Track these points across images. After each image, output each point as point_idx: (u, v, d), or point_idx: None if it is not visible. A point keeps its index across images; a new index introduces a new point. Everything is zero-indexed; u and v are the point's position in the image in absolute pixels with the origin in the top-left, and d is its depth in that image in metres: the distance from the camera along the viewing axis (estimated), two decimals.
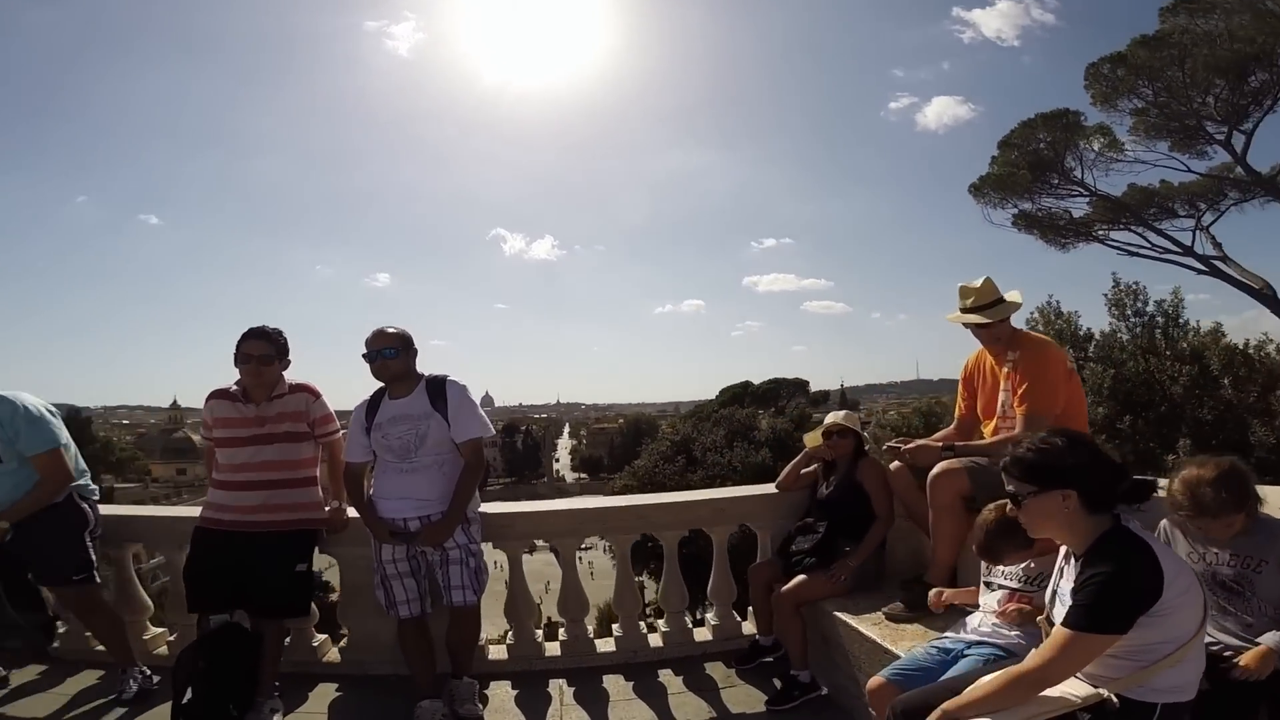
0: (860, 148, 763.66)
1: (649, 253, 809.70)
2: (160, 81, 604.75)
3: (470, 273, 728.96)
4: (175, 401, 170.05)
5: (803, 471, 5.11)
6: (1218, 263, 28.48)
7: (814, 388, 72.82)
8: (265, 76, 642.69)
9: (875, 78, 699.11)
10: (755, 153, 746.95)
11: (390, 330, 4.30)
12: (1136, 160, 30.76)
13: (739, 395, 62.98)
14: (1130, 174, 31.13)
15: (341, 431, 4.62)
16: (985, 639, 3.15)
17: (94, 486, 4.62)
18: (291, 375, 4.50)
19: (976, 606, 3.46)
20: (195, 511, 4.64)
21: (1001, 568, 3.40)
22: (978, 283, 4.29)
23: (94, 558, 4.44)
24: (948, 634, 3.32)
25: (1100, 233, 32.87)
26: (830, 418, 5.01)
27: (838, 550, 4.56)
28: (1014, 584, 3.32)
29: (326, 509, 4.59)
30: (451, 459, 4.27)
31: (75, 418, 60.30)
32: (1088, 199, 32.21)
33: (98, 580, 4.49)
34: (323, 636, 5.08)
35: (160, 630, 5.17)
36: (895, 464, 4.61)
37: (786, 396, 63.28)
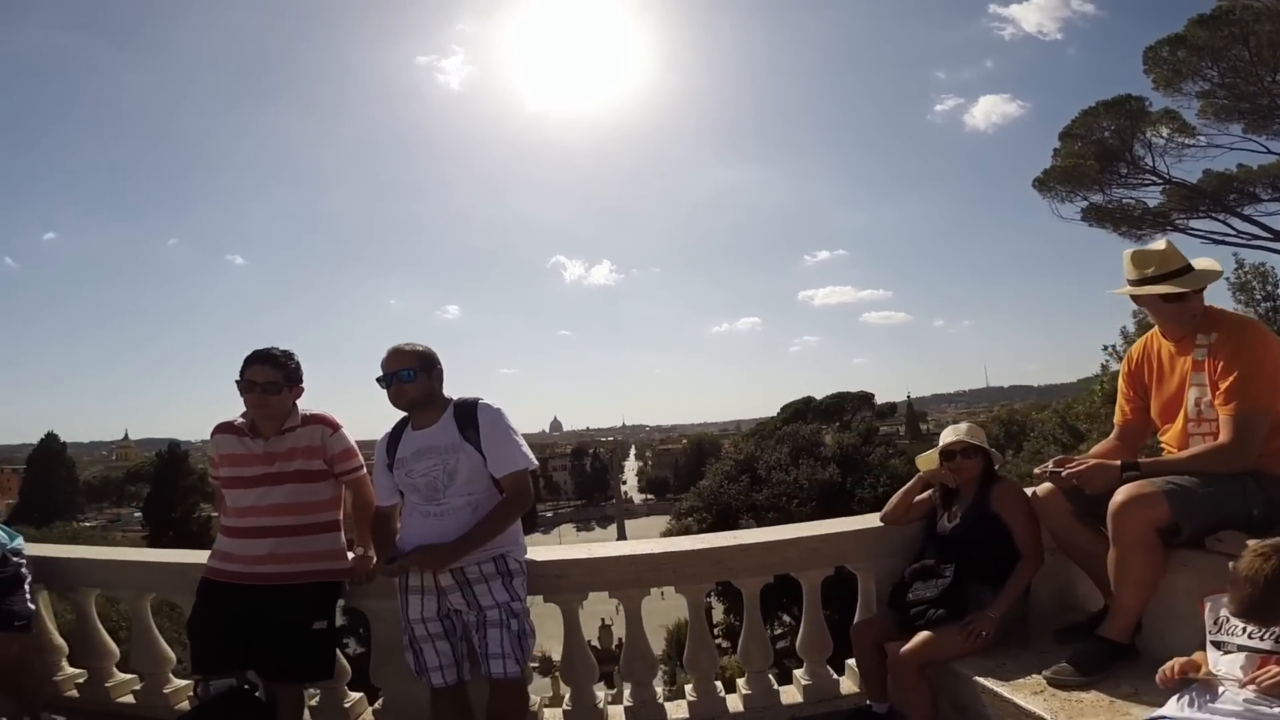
0: (909, 153, 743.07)
1: (703, 271, 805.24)
2: (236, 122, 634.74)
3: (534, 301, 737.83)
4: None
5: (916, 500, 4.09)
6: None
7: (879, 400, 70.35)
8: (327, 113, 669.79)
9: (918, 81, 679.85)
10: (801, 164, 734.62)
11: (406, 348, 3.56)
12: (1210, 145, 28.57)
13: (801, 411, 61.41)
14: (1205, 159, 28.89)
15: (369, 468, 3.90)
16: (1236, 718, 2.28)
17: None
18: (319, 406, 3.85)
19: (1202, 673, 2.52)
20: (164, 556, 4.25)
21: (1243, 625, 2.47)
22: (1159, 245, 3.27)
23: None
24: (1168, 713, 2.44)
25: (1180, 222, 30.68)
26: (950, 433, 4.02)
27: (971, 599, 3.60)
28: (1265, 645, 2.39)
29: (351, 556, 3.87)
30: (487, 498, 3.49)
31: (174, 450, 62.71)
32: (1161, 188, 30.12)
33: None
34: (356, 696, 4.34)
35: (129, 676, 4.67)
36: (1042, 488, 3.57)
37: (851, 410, 61.19)
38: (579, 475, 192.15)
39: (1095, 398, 16.67)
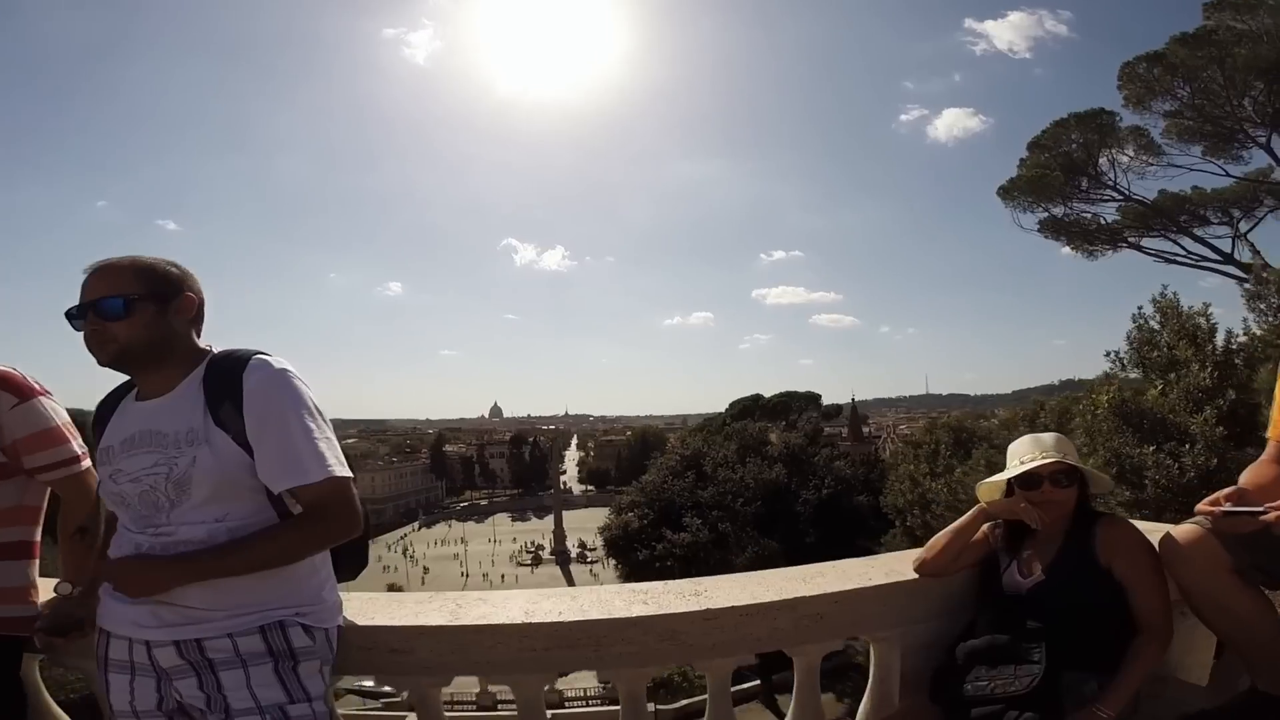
0: (871, 160, 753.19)
1: (658, 264, 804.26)
2: (178, 83, 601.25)
3: (481, 283, 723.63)
4: None
5: (972, 540, 2.67)
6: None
7: (825, 401, 70.45)
8: (283, 79, 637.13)
9: (886, 90, 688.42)
10: (765, 164, 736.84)
11: (117, 263, 1.98)
12: (1170, 165, 28.87)
13: (749, 408, 60.70)
14: (1165, 179, 29.16)
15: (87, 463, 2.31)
16: None
17: None
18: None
19: None
20: None
21: None
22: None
23: None
24: None
25: (1132, 239, 30.82)
26: (1031, 446, 2.63)
27: (1069, 692, 2.28)
28: None
29: (40, 601, 2.37)
30: (250, 525, 1.89)
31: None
32: (1119, 204, 30.18)
33: None
34: None
35: None
36: (1186, 530, 2.23)
37: (798, 410, 60.74)
38: (517, 464, 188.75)
39: (1099, 408, 15.51)
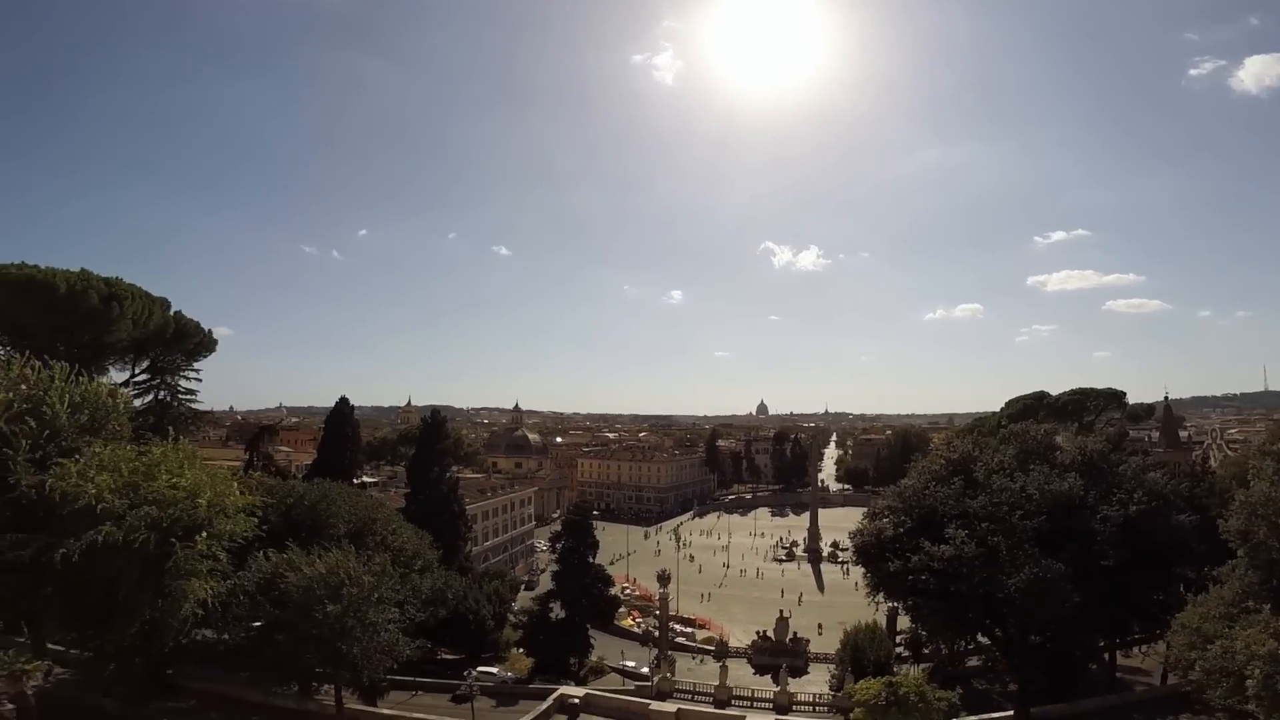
0: (1161, 122, 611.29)
1: (914, 257, 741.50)
2: (493, 128, 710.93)
3: (747, 286, 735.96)
4: (517, 404, 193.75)
5: None
6: None
7: (1129, 400, 56.61)
8: (564, 114, 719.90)
9: (1164, 44, 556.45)
10: (1028, 141, 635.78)
11: None
12: None
13: (1031, 408, 51.19)
14: None
15: None
16: None
17: None
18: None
19: None
20: None
21: None
22: None
23: None
24: None
25: None
26: None
27: None
28: None
29: None
30: None
31: (435, 416, 68.60)
32: None
33: None
34: None
35: None
36: None
37: (1095, 410, 49.90)
38: (779, 460, 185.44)
39: None
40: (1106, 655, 37.38)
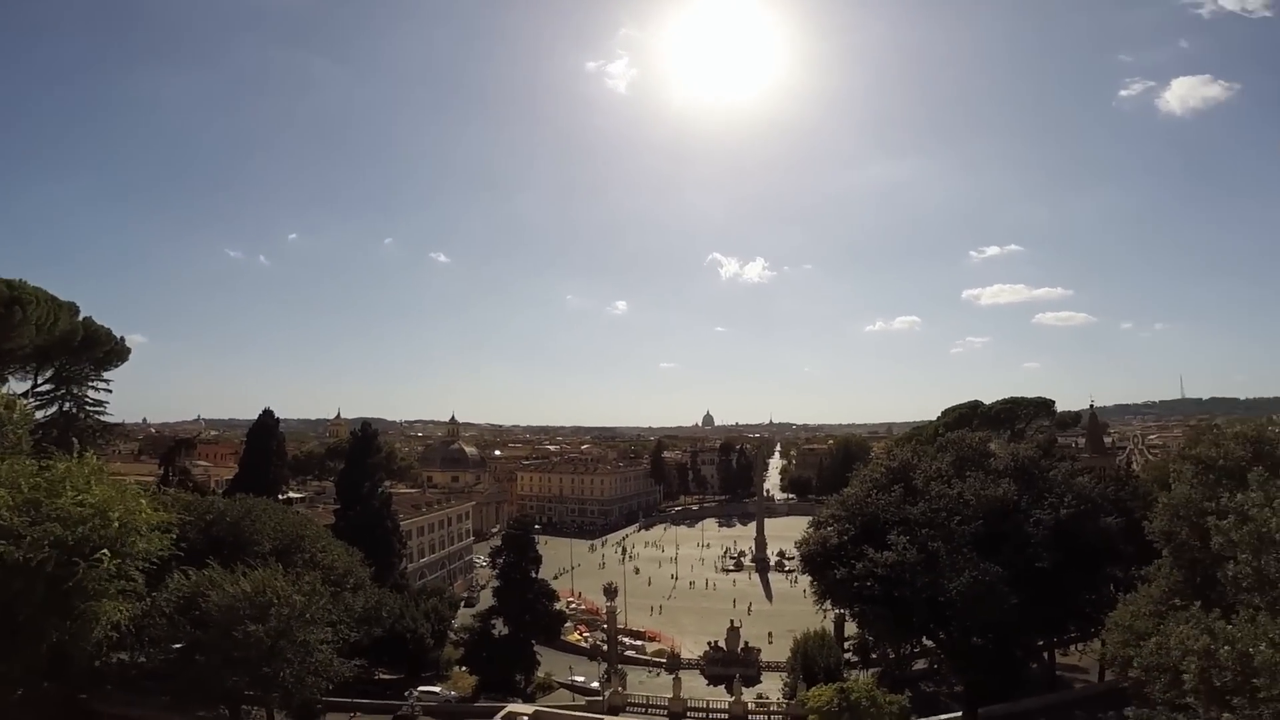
0: (1092, 141, 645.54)
1: (857, 270, 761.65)
2: (437, 132, 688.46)
3: (693, 298, 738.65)
4: (453, 417, 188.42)
5: None
6: None
7: (1058, 408, 59.65)
8: (513, 120, 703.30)
9: (1098, 65, 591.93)
10: (965, 157, 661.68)
11: None
12: None
13: (966, 416, 53.20)
14: None
15: None
16: None
17: None
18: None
19: None
20: None
21: None
22: None
23: None
24: None
25: None
26: None
27: None
28: None
29: None
30: None
31: (366, 430, 65.82)
32: None
33: None
34: None
35: None
36: None
37: (1026, 418, 52.17)
38: (725, 471, 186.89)
39: None
40: (1046, 654, 38.84)
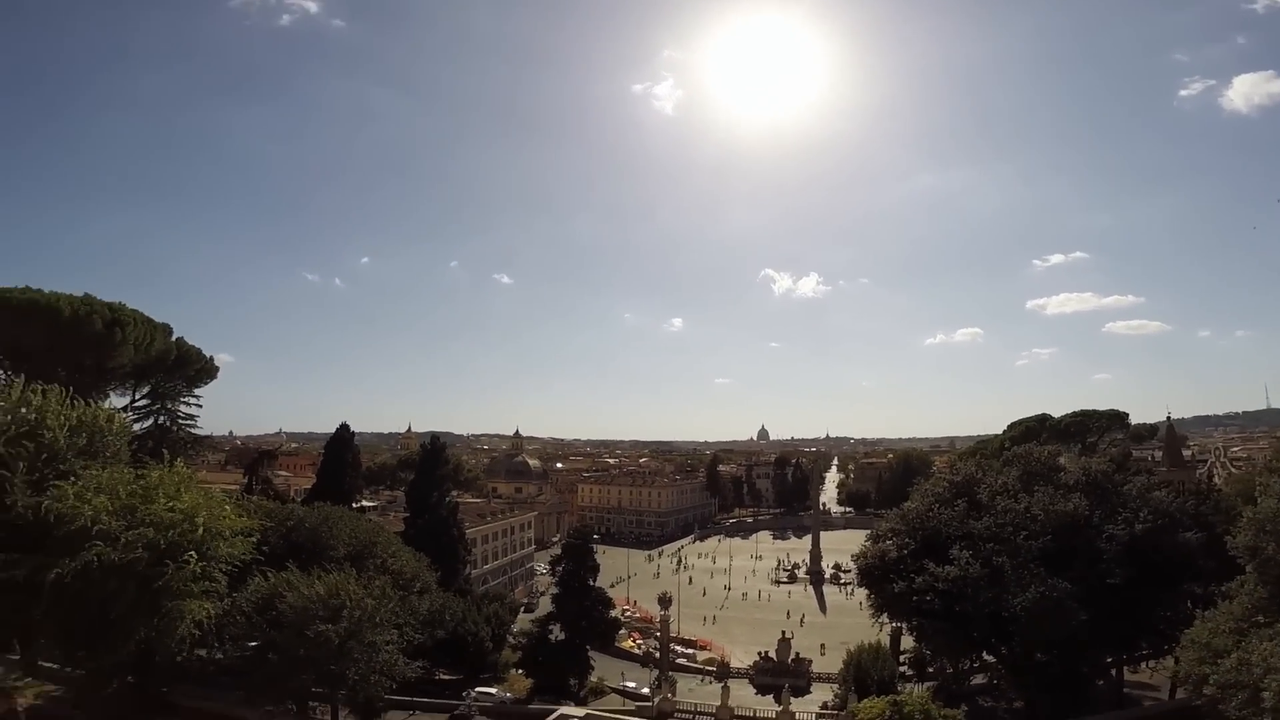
0: (1154, 144, 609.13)
1: (913, 282, 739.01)
2: (495, 158, 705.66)
3: (747, 314, 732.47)
4: (517, 430, 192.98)
5: None
6: None
7: (1132, 420, 56.37)
8: (565, 143, 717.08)
9: (1152, 66, 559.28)
10: (1021, 165, 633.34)
11: None
12: None
13: (1034, 430, 51.10)
14: None
15: None
16: None
17: None
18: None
19: None
20: None
21: None
22: None
23: None
24: None
25: None
26: None
27: None
28: None
29: None
30: None
31: (435, 442, 68.04)
32: None
33: None
34: None
35: None
36: None
37: (1097, 431, 49.73)
38: (780, 484, 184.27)
39: None
40: (1113, 671, 36.80)
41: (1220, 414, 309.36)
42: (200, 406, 54.74)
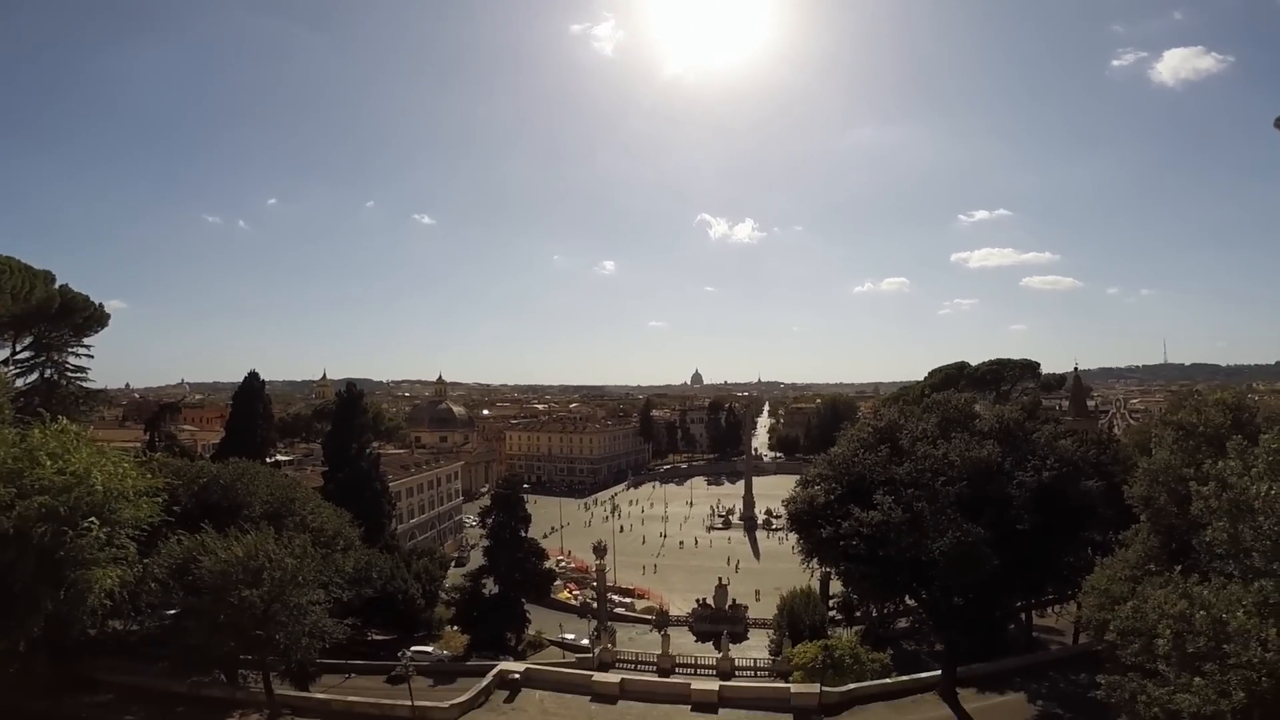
0: (1084, 110, 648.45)
1: (847, 232, 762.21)
2: (417, 95, 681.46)
3: (682, 258, 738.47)
4: (440, 377, 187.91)
5: None
6: None
7: (1043, 370, 60.43)
8: (497, 84, 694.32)
9: (1090, 35, 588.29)
10: (957, 124, 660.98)
11: None
12: None
13: (953, 377, 53.87)
14: None
15: None
16: None
17: None
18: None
19: None
20: None
21: None
22: None
23: None
24: None
25: None
26: None
27: None
28: None
29: None
30: None
31: (351, 390, 65.65)
32: None
33: None
34: None
35: None
36: None
37: (1011, 380, 52.85)
38: (714, 429, 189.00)
39: None
40: (1024, 616, 40.00)
41: (1122, 367, 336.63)
42: (91, 357, 50.97)
